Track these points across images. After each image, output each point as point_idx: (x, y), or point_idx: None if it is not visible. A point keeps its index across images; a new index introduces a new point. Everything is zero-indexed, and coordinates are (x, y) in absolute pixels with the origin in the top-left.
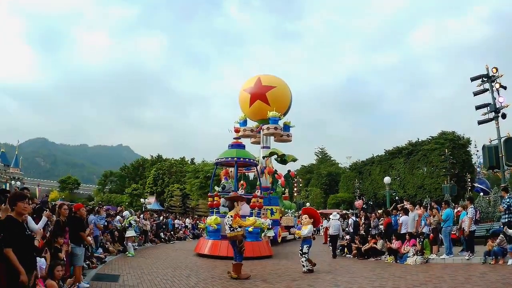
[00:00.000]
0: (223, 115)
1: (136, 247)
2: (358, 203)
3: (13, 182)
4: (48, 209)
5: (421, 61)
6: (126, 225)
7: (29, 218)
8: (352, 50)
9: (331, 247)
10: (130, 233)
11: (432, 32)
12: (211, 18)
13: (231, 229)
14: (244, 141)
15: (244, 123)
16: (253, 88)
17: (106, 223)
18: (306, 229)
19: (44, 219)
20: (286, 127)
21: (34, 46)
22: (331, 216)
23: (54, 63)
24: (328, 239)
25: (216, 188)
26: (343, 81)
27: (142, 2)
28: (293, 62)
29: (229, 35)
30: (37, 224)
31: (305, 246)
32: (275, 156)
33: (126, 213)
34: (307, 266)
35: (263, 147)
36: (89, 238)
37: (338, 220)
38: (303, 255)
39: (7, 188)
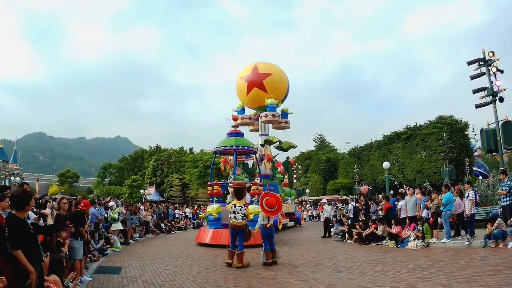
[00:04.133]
0: (219, 104)
1: (137, 238)
2: (364, 188)
3: (12, 177)
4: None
5: (416, 47)
6: (114, 218)
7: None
8: (346, 37)
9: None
10: (116, 226)
11: (427, 18)
12: (205, 8)
13: (244, 218)
14: (242, 129)
15: (242, 111)
16: (250, 76)
17: (106, 215)
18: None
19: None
20: (284, 114)
21: (29, 41)
22: (322, 201)
23: (49, 58)
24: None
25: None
26: (338, 69)
27: None
28: (288, 51)
29: (223, 25)
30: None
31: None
32: (276, 143)
33: (112, 203)
34: (263, 258)
35: (262, 135)
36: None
37: (328, 205)
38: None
39: (7, 184)
